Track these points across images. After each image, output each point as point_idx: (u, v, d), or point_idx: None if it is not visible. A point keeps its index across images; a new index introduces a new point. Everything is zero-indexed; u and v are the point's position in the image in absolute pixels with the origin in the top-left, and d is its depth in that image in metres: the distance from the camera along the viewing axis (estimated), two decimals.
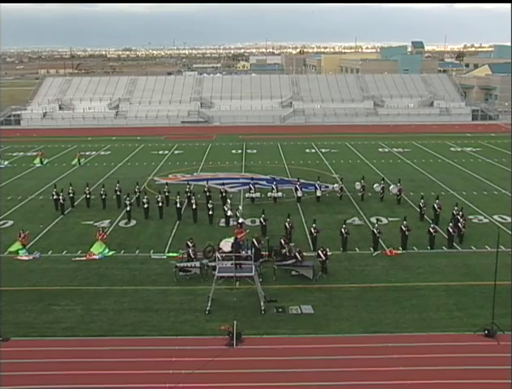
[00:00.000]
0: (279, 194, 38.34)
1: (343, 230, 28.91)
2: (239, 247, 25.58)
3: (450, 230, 29.27)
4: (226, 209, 33.53)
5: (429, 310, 22.23)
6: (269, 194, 38.62)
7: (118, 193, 37.47)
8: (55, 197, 36.72)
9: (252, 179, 40.58)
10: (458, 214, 30.94)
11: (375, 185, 39.09)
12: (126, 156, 57.13)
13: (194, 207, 34.32)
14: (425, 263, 27.19)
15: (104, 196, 37.22)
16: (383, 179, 41.22)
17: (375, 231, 29.12)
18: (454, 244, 29.39)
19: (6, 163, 52.86)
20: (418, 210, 34.29)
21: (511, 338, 19.67)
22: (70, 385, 17.58)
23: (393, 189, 38.47)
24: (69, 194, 37.26)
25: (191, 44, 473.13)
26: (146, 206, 34.89)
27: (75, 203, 37.83)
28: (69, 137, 69.36)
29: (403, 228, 29.02)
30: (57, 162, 54.26)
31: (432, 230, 29.16)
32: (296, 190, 38.51)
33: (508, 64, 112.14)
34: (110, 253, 28.90)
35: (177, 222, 34.06)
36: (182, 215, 34.74)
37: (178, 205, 34.70)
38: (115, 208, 36.90)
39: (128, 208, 34.56)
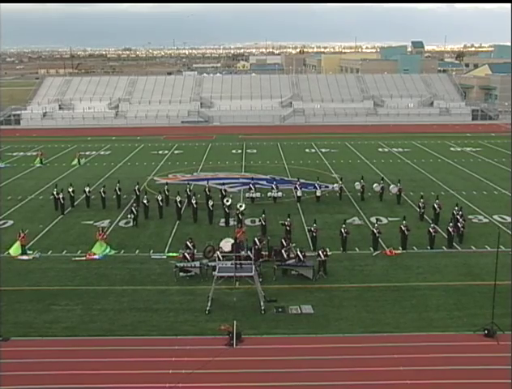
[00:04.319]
0: (279, 193, 38.35)
1: (342, 230, 28.90)
2: (239, 247, 25.57)
3: (450, 230, 29.27)
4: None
5: (429, 310, 22.24)
6: (269, 193, 38.63)
7: (118, 193, 37.46)
8: (56, 196, 36.70)
9: (252, 179, 40.59)
10: (458, 214, 30.95)
11: (374, 185, 39.08)
12: (126, 155, 57.13)
13: (194, 206, 34.33)
14: (425, 263, 27.19)
15: (103, 196, 37.22)
16: (382, 179, 41.22)
17: (375, 231, 29.12)
18: (454, 244, 29.39)
19: (2, 164, 52.70)
20: (418, 210, 34.30)
21: (511, 338, 19.68)
22: (69, 385, 17.58)
23: (392, 189, 38.47)
24: (68, 193, 37.25)
25: (191, 44, 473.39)
26: (146, 205, 34.86)
27: (75, 203, 37.83)
28: (69, 137, 69.32)
29: (403, 228, 29.02)
30: (57, 162, 54.25)
31: (432, 230, 29.16)
32: (296, 189, 38.53)
33: (508, 64, 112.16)
34: (112, 252, 28.90)
35: (177, 222, 34.06)
36: (182, 215, 34.74)
37: (178, 205, 34.71)
38: (115, 208, 36.90)
39: (132, 216, 33.31)
